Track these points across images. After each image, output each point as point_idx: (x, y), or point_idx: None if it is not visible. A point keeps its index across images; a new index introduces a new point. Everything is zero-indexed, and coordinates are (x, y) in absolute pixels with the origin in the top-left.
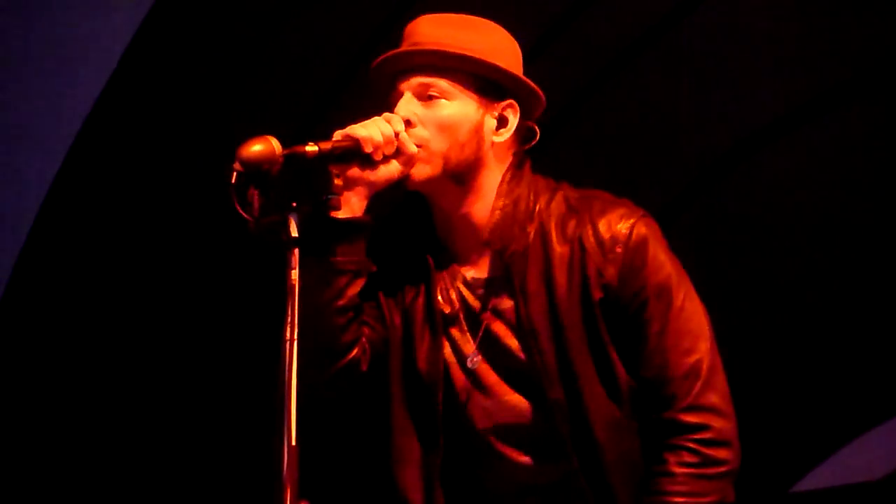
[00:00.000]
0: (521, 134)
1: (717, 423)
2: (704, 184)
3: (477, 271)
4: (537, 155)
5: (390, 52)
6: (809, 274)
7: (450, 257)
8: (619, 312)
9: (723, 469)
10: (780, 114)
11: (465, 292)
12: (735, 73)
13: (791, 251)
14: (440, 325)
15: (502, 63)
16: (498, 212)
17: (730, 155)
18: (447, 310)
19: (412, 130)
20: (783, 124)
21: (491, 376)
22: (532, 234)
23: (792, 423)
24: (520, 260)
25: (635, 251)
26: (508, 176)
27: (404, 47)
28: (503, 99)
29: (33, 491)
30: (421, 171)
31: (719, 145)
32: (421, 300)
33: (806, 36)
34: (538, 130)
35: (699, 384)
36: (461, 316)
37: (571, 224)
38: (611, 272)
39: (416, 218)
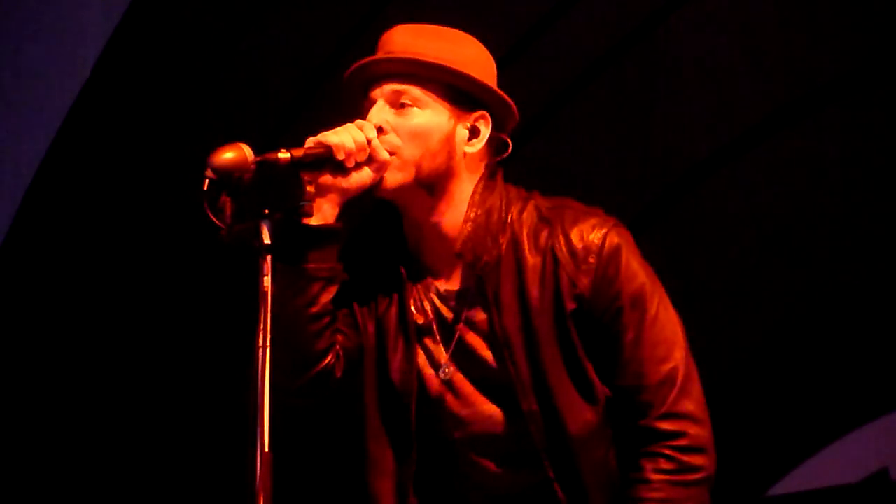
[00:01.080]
0: (494, 146)
1: (692, 429)
2: (681, 190)
3: (449, 283)
4: (511, 162)
5: (364, 60)
6: (785, 279)
7: (421, 269)
8: (593, 322)
9: (699, 476)
10: (758, 119)
11: (438, 304)
12: (712, 78)
13: (767, 257)
14: (413, 335)
15: (476, 74)
16: (469, 223)
17: (706, 161)
18: (420, 320)
19: (384, 137)
20: (761, 129)
21: (465, 386)
22: (504, 244)
23: (769, 426)
24: (492, 271)
25: (608, 261)
26: (480, 186)
27: (378, 55)
28: (476, 110)
29: None
30: (393, 178)
31: (696, 152)
32: (394, 310)
33: (783, 41)
34: (511, 143)
35: (674, 392)
36: (434, 327)
37: (543, 234)
38: (584, 283)
39: (387, 228)
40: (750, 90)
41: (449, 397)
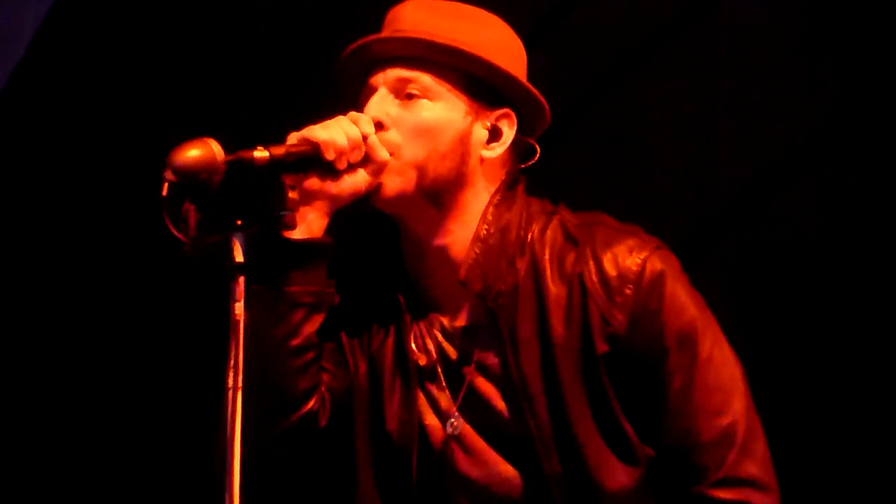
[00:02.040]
0: (518, 151)
1: (756, 498)
2: (743, 206)
3: (456, 317)
4: (532, 171)
5: (365, 38)
6: (872, 315)
7: (423, 297)
8: (631, 367)
9: None
10: (836, 124)
11: (443, 342)
12: (788, 66)
13: (848, 288)
14: (414, 378)
15: (501, 62)
16: (479, 244)
17: (774, 171)
18: (422, 361)
19: (383, 134)
20: (839, 136)
21: (476, 442)
22: (522, 270)
23: (852, 489)
24: (507, 304)
25: (649, 292)
26: (497, 199)
27: (384, 33)
28: (498, 106)
29: None
30: (391, 185)
31: (761, 159)
32: (390, 347)
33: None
34: (538, 148)
35: (734, 452)
36: (439, 369)
37: (570, 258)
38: (619, 319)
39: (383, 244)
40: (837, 80)
41: (457, 455)
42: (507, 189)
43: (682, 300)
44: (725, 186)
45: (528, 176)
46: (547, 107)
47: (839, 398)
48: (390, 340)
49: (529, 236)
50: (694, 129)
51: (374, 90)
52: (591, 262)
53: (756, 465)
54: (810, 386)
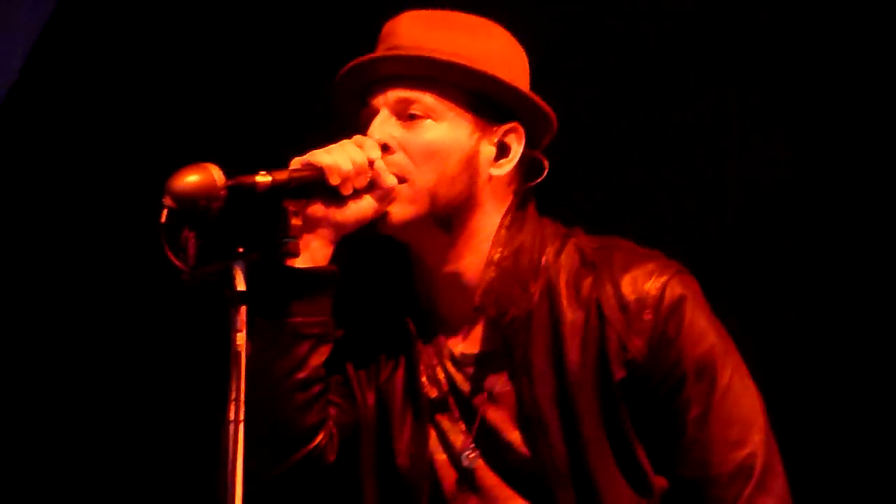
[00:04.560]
0: (525, 166)
1: None
2: (762, 226)
3: (467, 344)
4: (548, 191)
5: (362, 58)
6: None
7: (434, 324)
8: (647, 395)
9: None
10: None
11: (453, 371)
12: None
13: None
14: (426, 410)
15: (504, 75)
16: (493, 267)
17: (794, 187)
18: (433, 393)
19: (390, 157)
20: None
21: (489, 477)
22: (537, 295)
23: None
24: (521, 329)
25: (668, 317)
26: (508, 220)
27: (380, 52)
28: (504, 121)
29: None
30: (402, 212)
31: (781, 176)
32: (400, 377)
33: None
34: (547, 163)
35: (751, 486)
36: (451, 400)
37: (587, 283)
38: (637, 345)
39: (391, 270)
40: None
41: (469, 490)
42: (518, 209)
43: (702, 327)
44: (733, 211)
45: (539, 198)
46: (553, 117)
47: (850, 423)
48: (400, 371)
49: (544, 259)
50: (703, 153)
51: (375, 112)
52: (609, 287)
53: (773, 500)
54: (836, 415)
